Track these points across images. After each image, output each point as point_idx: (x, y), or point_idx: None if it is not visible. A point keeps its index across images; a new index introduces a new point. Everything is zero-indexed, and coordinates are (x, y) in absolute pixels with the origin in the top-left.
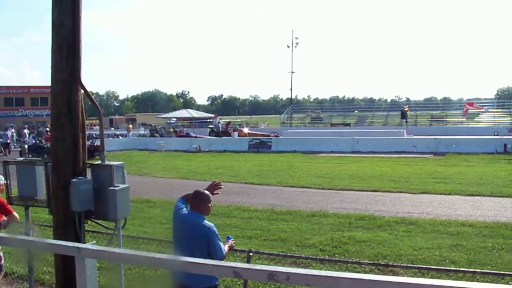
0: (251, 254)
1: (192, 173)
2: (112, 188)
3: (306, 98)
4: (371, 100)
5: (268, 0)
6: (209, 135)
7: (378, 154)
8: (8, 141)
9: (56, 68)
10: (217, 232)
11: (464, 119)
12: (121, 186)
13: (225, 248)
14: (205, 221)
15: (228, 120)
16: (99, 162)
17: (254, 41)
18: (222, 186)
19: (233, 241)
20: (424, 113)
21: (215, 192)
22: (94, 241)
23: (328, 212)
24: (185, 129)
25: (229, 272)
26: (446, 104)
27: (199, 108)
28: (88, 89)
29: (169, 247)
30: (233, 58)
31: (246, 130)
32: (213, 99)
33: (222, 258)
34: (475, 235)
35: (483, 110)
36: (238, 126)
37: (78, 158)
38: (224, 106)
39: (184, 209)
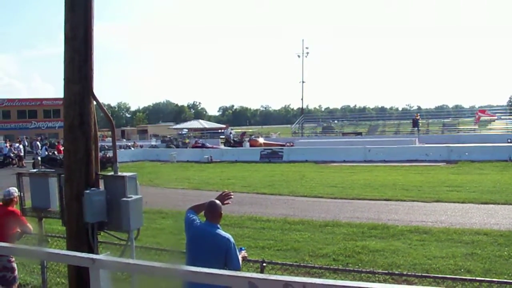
0: (264, 264)
1: (204, 184)
2: (125, 199)
3: (317, 107)
4: (383, 109)
5: (278, 10)
6: (224, 145)
7: (390, 163)
8: (21, 153)
9: (69, 80)
10: (234, 243)
11: (477, 127)
12: (134, 197)
13: (240, 259)
14: (222, 232)
15: (243, 130)
16: (111, 173)
17: (264, 51)
18: (232, 196)
19: (246, 252)
20: (436, 121)
21: (225, 202)
22: (108, 252)
23: (341, 222)
24: (200, 140)
25: (244, 283)
26: (458, 111)
27: (210, 118)
28: (100, 101)
29: (182, 258)
30: (244, 68)
31: (261, 140)
32: (224, 110)
33: (238, 269)
34: (490, 244)
35: (495, 118)
36: (253, 136)
37: (91, 170)
38: (235, 116)
39: (198, 220)
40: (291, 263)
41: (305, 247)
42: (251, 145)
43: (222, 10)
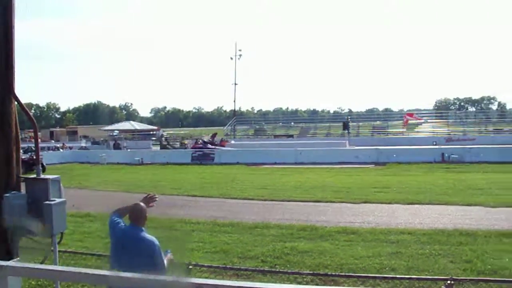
0: (190, 267)
1: (135, 186)
2: (47, 202)
3: (250, 109)
4: (314, 112)
5: (212, 13)
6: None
7: (320, 165)
8: None
9: None
10: (160, 246)
11: (405, 130)
12: (57, 200)
13: (165, 262)
14: (147, 235)
15: (214, 132)
16: (34, 176)
17: (198, 53)
18: (157, 199)
19: (171, 255)
20: (366, 124)
21: (150, 204)
22: (18, 258)
23: (271, 224)
24: (200, 141)
25: (158, 286)
26: (387, 115)
27: (142, 120)
28: (27, 101)
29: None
30: (176, 70)
31: (233, 141)
32: (156, 111)
33: (164, 272)
34: (413, 242)
35: (422, 121)
36: (224, 138)
37: (12, 172)
38: (167, 118)
39: (122, 223)
40: (217, 266)
41: (234, 249)
42: (222, 146)
43: (155, 12)
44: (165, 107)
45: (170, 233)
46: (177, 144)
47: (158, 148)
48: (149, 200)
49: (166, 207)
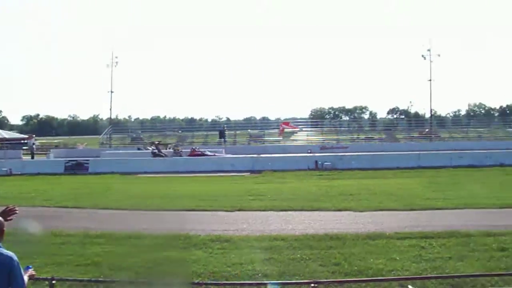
0: (54, 281)
1: (1, 199)
2: None
3: (127, 118)
4: (192, 120)
5: (88, 19)
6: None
7: (197, 173)
8: None
9: None
10: (18, 262)
11: (281, 138)
12: None
13: (25, 278)
14: (4, 250)
15: (158, 139)
16: None
17: (72, 59)
18: (17, 211)
19: (33, 270)
20: (244, 132)
21: (9, 218)
22: None
23: (144, 234)
24: (198, 148)
25: None
26: (265, 123)
27: (12, 128)
28: None
29: None
30: (50, 75)
31: (208, 152)
32: (28, 119)
33: None
34: (286, 248)
35: (298, 129)
36: (176, 145)
37: None
38: (40, 126)
39: None
40: (82, 279)
41: (106, 260)
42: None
43: (26, 10)
44: (38, 115)
45: (36, 246)
46: (171, 152)
47: (29, 157)
48: (8, 213)
49: (36, 220)
